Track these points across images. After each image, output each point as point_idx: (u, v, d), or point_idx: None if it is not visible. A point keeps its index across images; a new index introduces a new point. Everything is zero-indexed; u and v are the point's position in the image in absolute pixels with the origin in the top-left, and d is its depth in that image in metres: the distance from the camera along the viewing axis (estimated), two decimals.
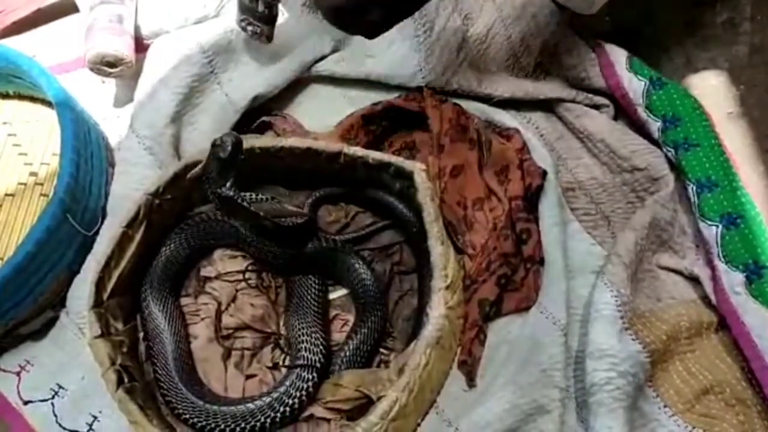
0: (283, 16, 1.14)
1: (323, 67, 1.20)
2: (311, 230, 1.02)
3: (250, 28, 1.07)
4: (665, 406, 0.91)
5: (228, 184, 0.91)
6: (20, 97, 1.23)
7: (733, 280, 0.95)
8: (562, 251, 1.00)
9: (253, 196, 0.93)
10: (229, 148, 0.90)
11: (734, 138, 1.10)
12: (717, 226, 0.98)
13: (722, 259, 0.96)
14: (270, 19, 1.07)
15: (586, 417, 0.90)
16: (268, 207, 0.94)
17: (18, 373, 1.04)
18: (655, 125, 1.07)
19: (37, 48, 1.30)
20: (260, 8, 1.04)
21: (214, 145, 0.91)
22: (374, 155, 0.99)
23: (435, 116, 1.10)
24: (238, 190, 0.92)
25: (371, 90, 1.20)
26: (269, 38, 1.09)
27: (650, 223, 1.00)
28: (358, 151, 1.00)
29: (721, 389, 0.92)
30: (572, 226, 1.06)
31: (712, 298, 0.97)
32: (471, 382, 0.97)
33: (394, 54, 1.16)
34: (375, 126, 1.15)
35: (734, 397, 0.92)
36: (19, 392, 1.03)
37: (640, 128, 1.10)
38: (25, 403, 1.02)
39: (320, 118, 1.19)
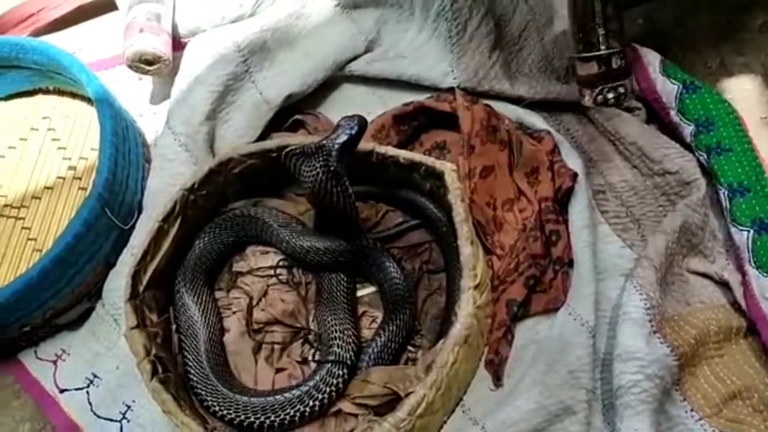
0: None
1: (356, 67, 1.21)
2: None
3: (611, 95, 0.96)
4: (692, 410, 0.91)
5: (342, 164, 0.91)
6: (60, 92, 1.26)
7: (764, 285, 0.94)
8: (591, 253, 1.00)
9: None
10: (356, 128, 0.92)
11: None
12: (748, 231, 0.97)
13: (753, 265, 0.96)
14: (628, 68, 0.95)
15: (612, 419, 0.91)
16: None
17: (54, 362, 1.07)
18: (687, 129, 1.06)
19: (77, 45, 1.34)
20: (615, 64, 0.93)
21: (339, 125, 0.93)
22: (405, 155, 1.00)
23: (466, 117, 1.11)
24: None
25: (403, 90, 1.21)
26: (633, 91, 0.97)
27: (681, 227, 0.99)
28: (389, 150, 1.01)
29: (749, 394, 0.91)
30: (602, 228, 1.06)
31: (742, 303, 0.96)
32: (498, 381, 0.97)
33: (427, 55, 1.17)
34: (406, 126, 1.16)
35: (762, 402, 0.92)
36: (55, 380, 1.06)
37: (672, 132, 1.10)
38: (61, 391, 1.05)
39: None
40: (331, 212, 0.97)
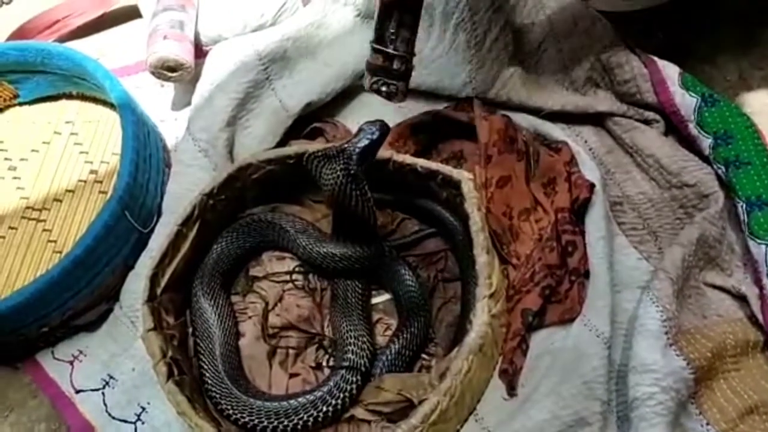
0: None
1: None
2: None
3: (384, 89, 0.99)
4: (708, 424, 0.90)
5: (362, 168, 0.92)
6: (83, 97, 1.29)
7: None
8: (607, 265, 0.99)
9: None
10: (378, 133, 0.93)
11: None
12: (766, 245, 0.97)
13: None
14: (407, 74, 0.99)
15: (627, 431, 0.90)
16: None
17: (71, 363, 1.08)
18: (705, 142, 1.06)
19: (101, 51, 1.36)
20: (396, 65, 0.97)
21: (361, 129, 0.94)
22: (423, 163, 1.01)
23: (483, 127, 1.11)
24: None
25: (421, 99, 1.22)
26: (405, 95, 1.01)
27: (698, 240, 0.99)
28: (407, 158, 1.02)
29: (766, 409, 0.90)
30: (619, 240, 1.06)
31: (760, 317, 0.95)
32: (512, 391, 0.97)
33: (446, 65, 1.18)
34: (424, 135, 1.16)
35: None
36: (71, 381, 1.07)
37: (690, 144, 1.10)
38: (77, 391, 1.06)
39: None
40: (349, 217, 0.97)
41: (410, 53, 0.98)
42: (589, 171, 1.07)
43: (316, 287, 1.07)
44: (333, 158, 0.93)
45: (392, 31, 0.95)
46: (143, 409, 1.02)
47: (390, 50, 0.96)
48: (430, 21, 1.18)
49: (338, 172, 0.92)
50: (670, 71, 1.11)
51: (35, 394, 1.07)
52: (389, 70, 0.97)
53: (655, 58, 1.12)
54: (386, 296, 1.07)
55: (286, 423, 0.91)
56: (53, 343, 1.09)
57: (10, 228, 1.16)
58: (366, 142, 0.92)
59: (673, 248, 0.99)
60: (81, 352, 1.09)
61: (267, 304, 1.06)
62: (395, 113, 1.21)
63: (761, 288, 0.96)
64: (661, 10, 1.17)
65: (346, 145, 0.93)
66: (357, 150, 0.92)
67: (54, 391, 1.06)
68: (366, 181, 0.93)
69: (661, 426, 0.86)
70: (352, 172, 0.92)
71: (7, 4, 1.53)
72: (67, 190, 1.19)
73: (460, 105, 1.18)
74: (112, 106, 1.19)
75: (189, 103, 1.22)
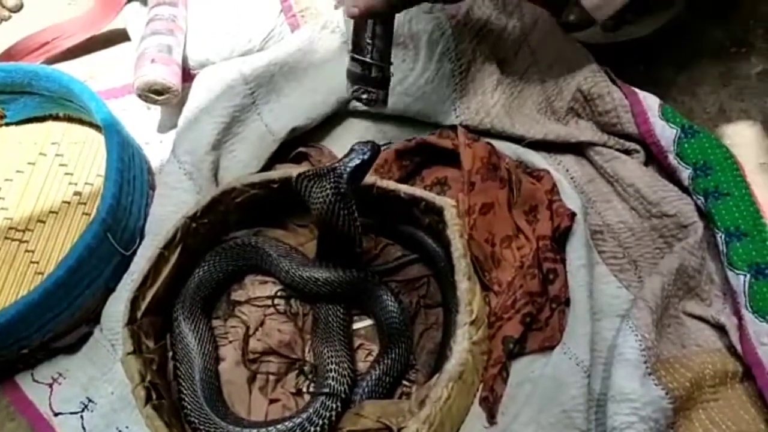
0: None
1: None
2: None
3: (365, 96, 1.02)
4: None
5: (352, 187, 0.93)
6: (70, 119, 1.29)
7: (760, 330, 0.94)
8: (588, 293, 1.00)
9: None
10: (369, 153, 0.94)
11: (765, 188, 1.09)
12: (745, 276, 0.97)
13: (749, 309, 0.96)
14: (385, 82, 1.02)
15: None
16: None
17: (50, 385, 1.07)
18: (685, 173, 1.07)
19: (89, 73, 1.36)
20: (374, 74, 1.00)
21: (353, 149, 0.95)
22: (406, 189, 1.01)
23: (467, 154, 1.12)
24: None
25: (406, 126, 1.23)
26: (385, 102, 1.03)
27: (678, 270, 0.99)
28: (390, 184, 1.02)
29: None
30: (599, 268, 1.06)
31: (738, 347, 0.96)
32: (492, 419, 0.97)
33: (430, 93, 1.19)
34: (408, 161, 1.17)
35: None
36: (50, 404, 1.06)
37: (670, 175, 1.11)
38: (56, 414, 1.05)
39: None
40: (335, 238, 0.97)
41: (387, 62, 1.01)
42: (570, 200, 1.08)
43: (298, 312, 1.07)
44: (323, 177, 0.93)
45: (368, 41, 0.98)
46: None
47: (367, 59, 0.98)
48: (416, 50, 1.20)
49: (328, 191, 0.92)
50: (651, 102, 1.12)
51: (13, 416, 1.06)
52: (368, 78, 1.00)
53: (636, 90, 1.14)
54: (368, 322, 1.07)
55: None
56: (33, 365, 1.08)
57: None
58: (357, 161, 0.93)
59: (653, 277, 0.99)
60: (60, 374, 1.08)
61: (248, 328, 1.05)
62: (381, 139, 1.21)
63: (740, 318, 0.97)
64: (641, 43, 1.19)
65: (336, 164, 0.94)
66: (348, 169, 0.92)
67: (32, 413, 1.05)
68: (355, 201, 0.94)
69: None
70: (342, 190, 0.92)
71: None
72: (51, 211, 1.19)
73: (445, 132, 1.18)
74: (97, 127, 1.19)
75: (175, 126, 1.22)
